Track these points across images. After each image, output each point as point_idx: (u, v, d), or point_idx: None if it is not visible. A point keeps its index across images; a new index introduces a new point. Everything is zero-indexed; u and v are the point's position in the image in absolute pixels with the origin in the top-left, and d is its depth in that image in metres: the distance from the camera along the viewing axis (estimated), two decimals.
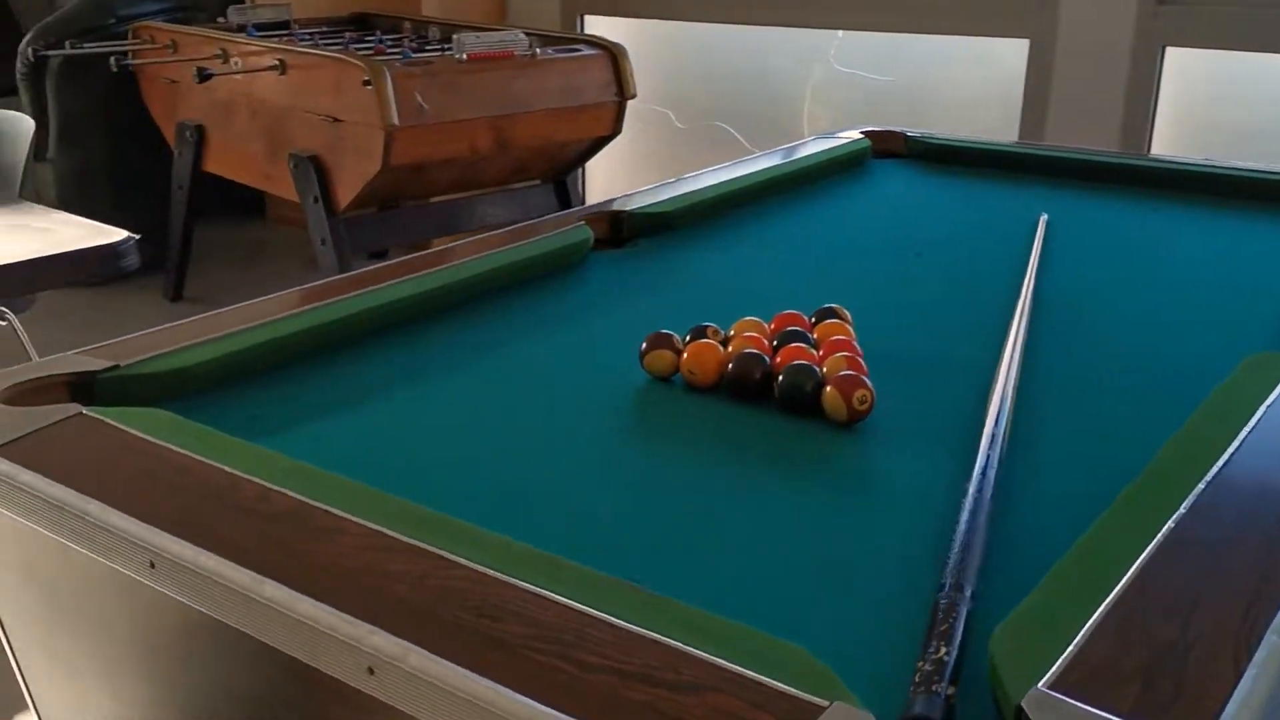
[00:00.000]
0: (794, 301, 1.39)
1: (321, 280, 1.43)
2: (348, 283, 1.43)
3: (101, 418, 1.04)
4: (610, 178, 4.91)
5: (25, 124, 2.70)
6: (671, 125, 4.71)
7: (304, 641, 0.78)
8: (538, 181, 3.65)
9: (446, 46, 3.40)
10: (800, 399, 1.14)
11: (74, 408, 1.06)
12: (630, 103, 3.57)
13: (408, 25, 4.11)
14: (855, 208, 1.96)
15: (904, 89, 4.08)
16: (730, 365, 1.18)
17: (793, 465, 1.05)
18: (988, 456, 1.00)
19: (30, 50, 3.91)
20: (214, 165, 3.77)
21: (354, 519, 0.88)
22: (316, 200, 3.20)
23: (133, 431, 1.01)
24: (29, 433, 1.02)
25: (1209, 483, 0.93)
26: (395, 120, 2.92)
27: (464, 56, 3.13)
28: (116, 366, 1.16)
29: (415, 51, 3.50)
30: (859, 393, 1.11)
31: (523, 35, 3.28)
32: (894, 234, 1.80)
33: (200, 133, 3.75)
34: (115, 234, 1.92)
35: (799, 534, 0.93)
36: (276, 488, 0.92)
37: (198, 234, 4.39)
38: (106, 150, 4.15)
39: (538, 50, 3.29)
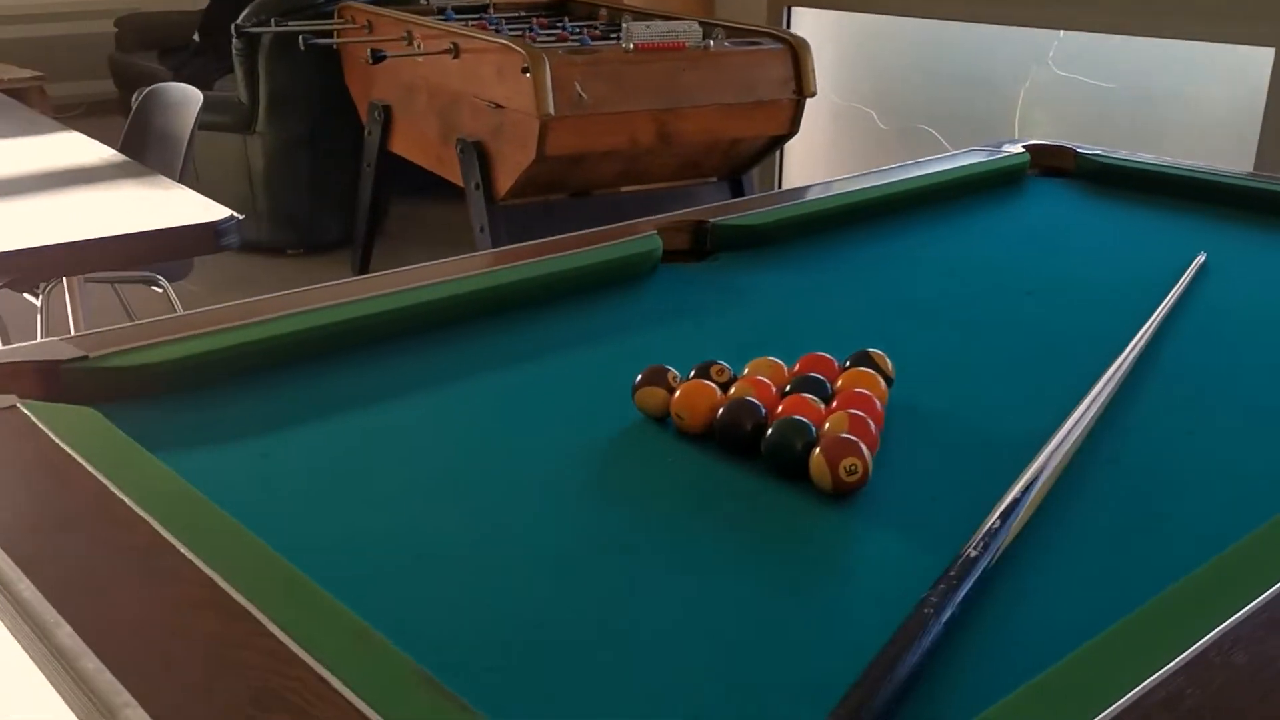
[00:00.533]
0: (863, 338, 1.21)
1: (339, 280, 1.36)
2: (370, 284, 1.35)
3: (29, 413, 0.99)
4: (808, 178, 4.72)
5: (194, 96, 2.78)
6: (874, 125, 4.47)
7: (79, 700, 0.69)
8: (713, 179, 3.52)
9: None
10: (787, 460, 0.97)
11: (9, 399, 1.02)
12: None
13: (603, 13, 4.05)
14: (984, 232, 1.74)
15: (1127, 98, 3.72)
16: (720, 413, 1.03)
17: (753, 542, 0.89)
18: (968, 562, 0.81)
19: (240, 27, 4.07)
20: (398, 145, 3.82)
21: (200, 563, 0.78)
22: (477, 187, 3.17)
23: (44, 431, 0.96)
24: None
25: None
26: (550, 110, 2.85)
27: (631, 46, 3.03)
28: (85, 358, 1.11)
29: (596, 40, 3.43)
30: (847, 461, 0.93)
31: (697, 25, 3.16)
32: (1015, 265, 1.58)
33: (388, 113, 3.80)
34: (220, 212, 1.91)
35: (733, 632, 0.77)
36: (145, 515, 0.84)
37: (399, 211, 4.48)
38: (309, 126, 4.29)
39: (711, 43, 3.15)
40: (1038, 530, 0.89)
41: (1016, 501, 0.90)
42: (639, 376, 1.09)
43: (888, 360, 1.13)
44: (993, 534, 0.85)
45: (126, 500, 0.85)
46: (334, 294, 1.30)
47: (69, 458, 0.92)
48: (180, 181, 2.63)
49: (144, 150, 2.86)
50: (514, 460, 1.01)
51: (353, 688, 0.65)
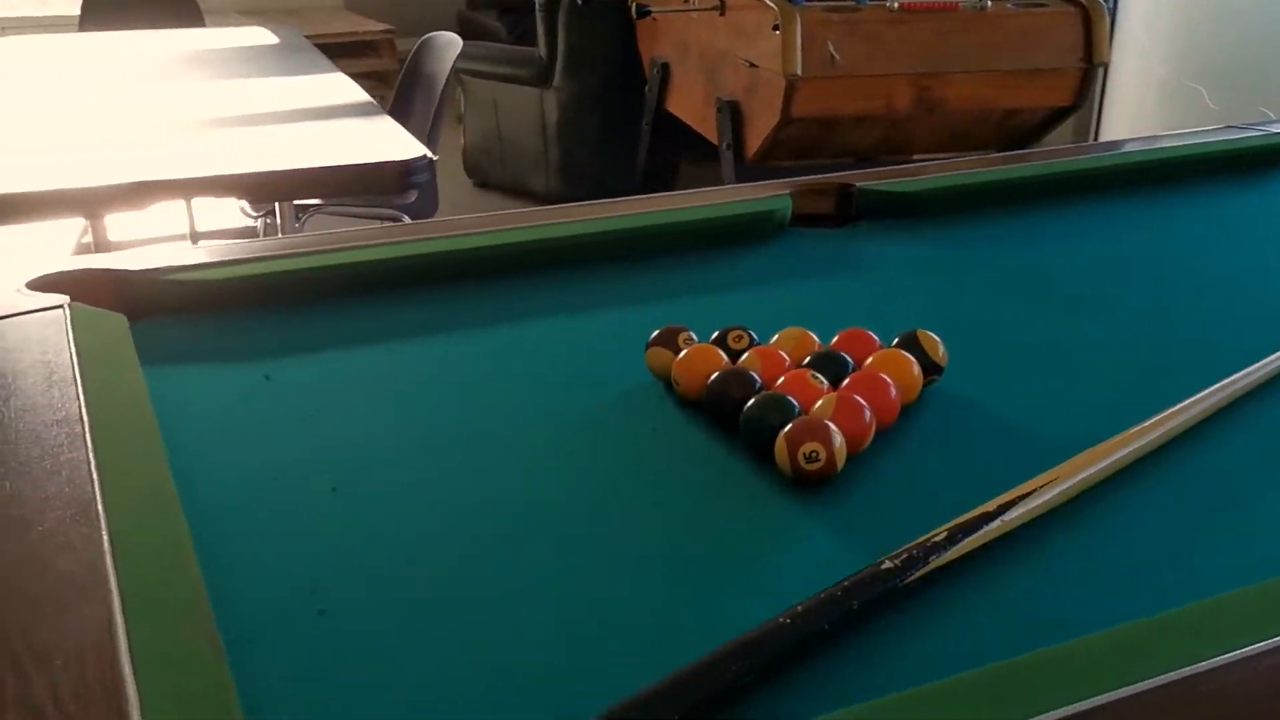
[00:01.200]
0: (956, 322, 1.08)
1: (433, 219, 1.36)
2: (460, 223, 1.34)
3: (67, 314, 1.05)
4: None
5: (454, 43, 2.89)
6: (1203, 105, 4.00)
7: None
8: (989, 153, 3.28)
9: None
10: (759, 438, 0.87)
11: (62, 299, 1.08)
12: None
13: None
14: (1188, 221, 1.50)
15: None
16: (710, 380, 0.94)
17: (691, 521, 0.80)
18: (876, 575, 0.69)
19: None
20: (672, 104, 3.82)
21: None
22: (729, 147, 3.12)
23: (65, 330, 1.01)
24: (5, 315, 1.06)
25: None
26: (798, 69, 2.74)
27: (895, 6, 2.85)
28: (154, 270, 1.17)
29: None
30: (807, 447, 0.82)
31: None
32: (1197, 261, 1.35)
33: (666, 70, 3.80)
34: (415, 151, 1.97)
35: (613, 604, 0.70)
36: (87, 420, 0.86)
37: (692, 172, 4.49)
38: (602, 83, 4.37)
39: (989, 2, 2.92)
40: (998, 552, 0.75)
41: (985, 517, 0.76)
42: (652, 336, 1.01)
43: (939, 346, 0.99)
44: (927, 550, 0.72)
45: (81, 406, 0.88)
46: (420, 230, 1.30)
47: (66, 359, 0.96)
48: (433, 122, 2.74)
49: (413, 92, 3.01)
50: (500, 412, 0.97)
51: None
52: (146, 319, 1.11)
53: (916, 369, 0.96)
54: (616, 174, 4.50)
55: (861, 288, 1.26)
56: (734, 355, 0.98)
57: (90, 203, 1.90)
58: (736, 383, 0.92)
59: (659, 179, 4.23)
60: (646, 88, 3.97)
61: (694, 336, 1.00)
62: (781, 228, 1.43)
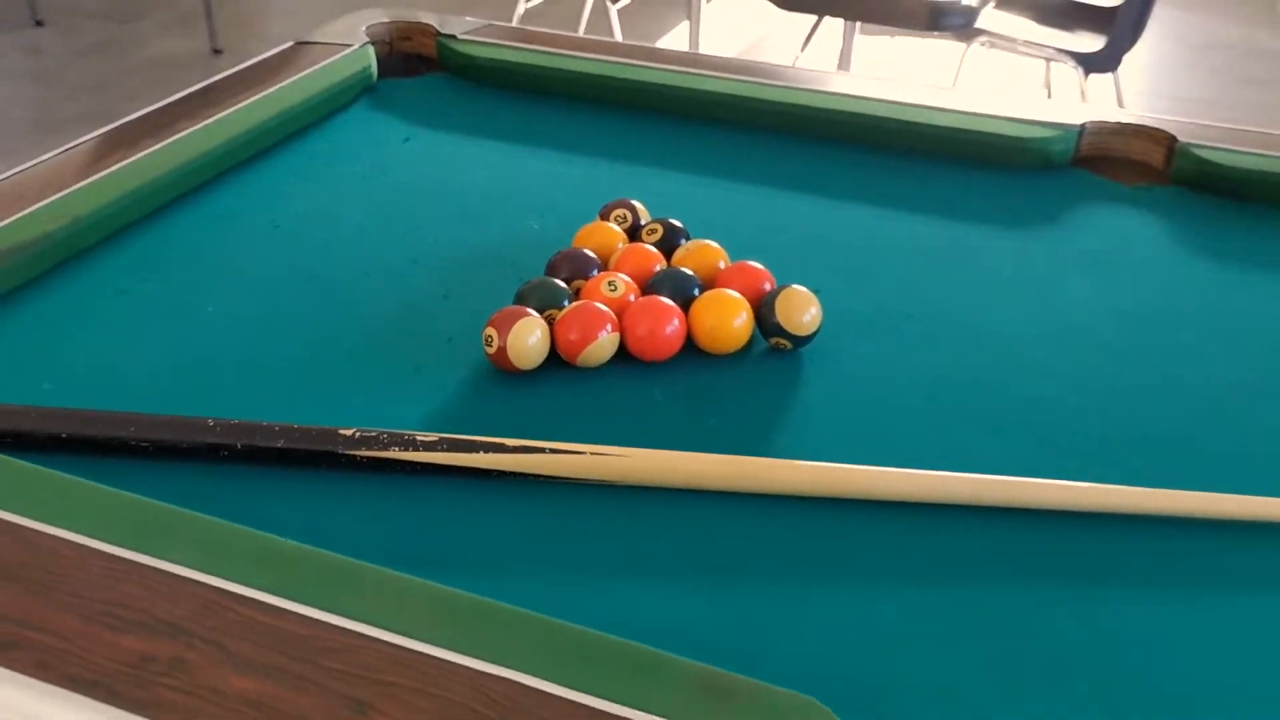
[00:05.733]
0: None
1: None
2: None
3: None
4: None
5: None
6: None
7: None
8: None
9: None
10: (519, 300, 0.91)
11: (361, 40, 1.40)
12: None
13: None
14: None
15: None
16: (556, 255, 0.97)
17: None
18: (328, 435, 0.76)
19: None
20: None
21: None
22: None
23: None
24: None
25: None
26: None
27: None
28: (452, 36, 1.43)
29: None
30: (489, 329, 0.86)
31: None
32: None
33: None
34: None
35: None
36: None
37: None
38: None
39: None
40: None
41: (486, 445, 0.76)
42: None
43: (805, 314, 0.89)
44: (398, 441, 0.77)
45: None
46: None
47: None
48: None
49: None
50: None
51: None
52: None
53: (740, 320, 0.89)
54: None
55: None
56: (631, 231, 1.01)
57: None
58: (576, 262, 0.95)
59: None
60: None
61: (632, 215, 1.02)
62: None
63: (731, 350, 0.90)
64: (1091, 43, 2.56)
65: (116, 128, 1.18)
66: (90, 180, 1.06)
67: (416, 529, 0.73)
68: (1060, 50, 2.54)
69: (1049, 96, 2.60)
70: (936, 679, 0.63)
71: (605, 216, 1.03)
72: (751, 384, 0.88)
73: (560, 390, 0.86)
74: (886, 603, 0.68)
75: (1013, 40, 2.59)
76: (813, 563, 0.71)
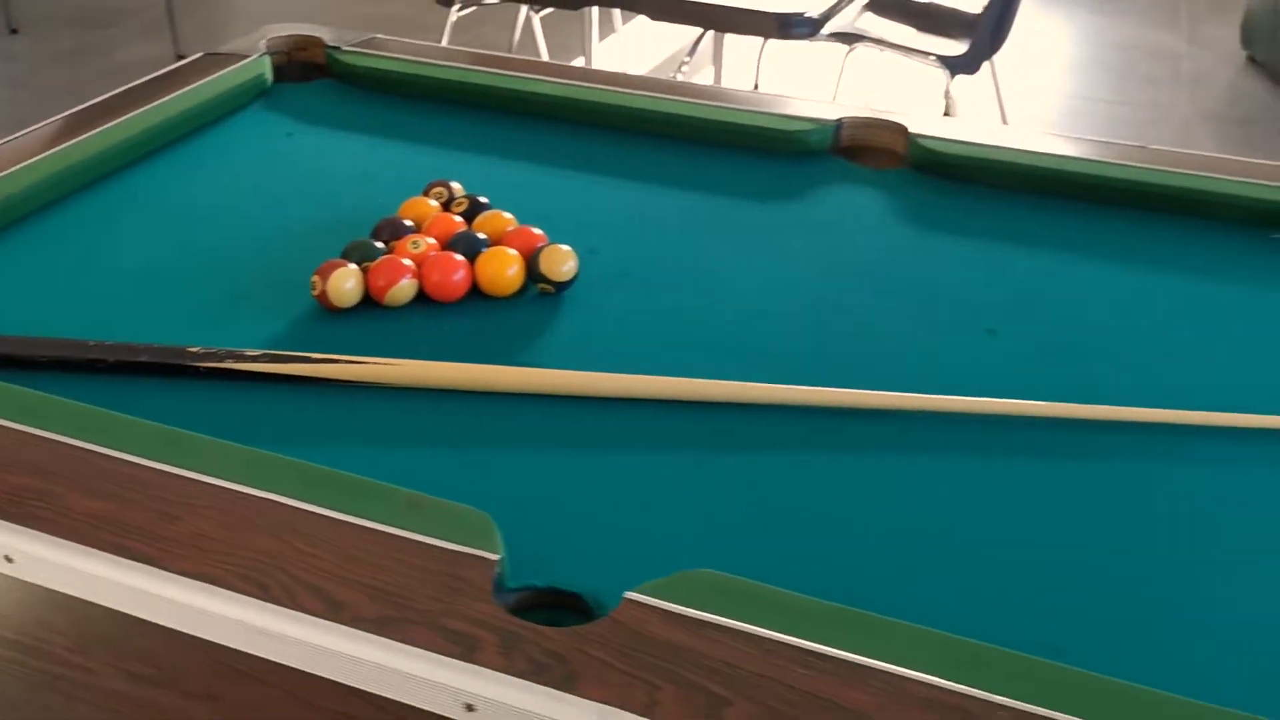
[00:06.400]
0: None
1: None
2: None
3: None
4: None
5: None
6: None
7: None
8: None
9: None
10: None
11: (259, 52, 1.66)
12: None
13: None
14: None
15: None
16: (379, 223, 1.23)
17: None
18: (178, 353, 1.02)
19: None
20: None
21: None
22: None
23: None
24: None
25: None
26: None
27: None
28: (338, 48, 1.69)
29: None
30: (316, 277, 1.12)
31: None
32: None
33: None
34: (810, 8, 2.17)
35: None
36: None
37: None
38: None
39: None
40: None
41: (299, 359, 1.02)
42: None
43: (563, 265, 1.15)
44: (232, 356, 1.03)
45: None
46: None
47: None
48: None
49: None
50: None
51: None
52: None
53: (513, 270, 1.15)
54: None
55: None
56: (446, 204, 1.27)
57: None
58: (394, 227, 1.21)
59: None
60: None
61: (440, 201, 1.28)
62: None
63: (507, 294, 1.16)
64: (958, 48, 2.84)
65: (43, 126, 1.44)
66: (13, 169, 1.32)
67: (243, 415, 0.99)
68: (926, 53, 2.81)
69: (948, 98, 2.88)
70: (588, 506, 0.90)
71: (426, 193, 1.29)
72: (521, 320, 1.14)
73: (371, 324, 1.12)
74: (594, 465, 0.95)
75: (888, 45, 2.86)
76: (540, 444, 0.97)
